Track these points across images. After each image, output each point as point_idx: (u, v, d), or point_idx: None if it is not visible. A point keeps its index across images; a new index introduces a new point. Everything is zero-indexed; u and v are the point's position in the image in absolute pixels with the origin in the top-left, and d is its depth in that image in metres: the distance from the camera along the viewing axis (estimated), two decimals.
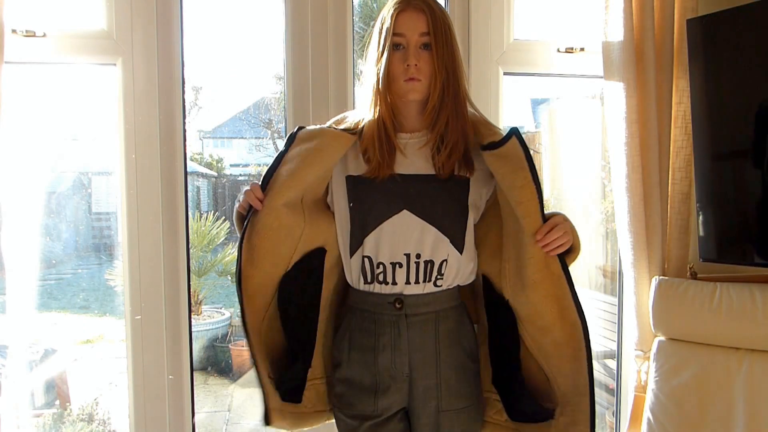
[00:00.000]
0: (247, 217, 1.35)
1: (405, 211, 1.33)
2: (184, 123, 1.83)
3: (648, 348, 1.83)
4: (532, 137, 4.01)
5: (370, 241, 1.35)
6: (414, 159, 1.35)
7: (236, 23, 4.02)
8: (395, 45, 1.27)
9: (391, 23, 1.26)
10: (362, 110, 1.37)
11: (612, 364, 2.49)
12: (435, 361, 1.37)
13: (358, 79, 1.86)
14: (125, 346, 1.84)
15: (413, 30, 1.26)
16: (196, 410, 1.92)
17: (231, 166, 4.64)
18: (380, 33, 1.29)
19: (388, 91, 1.29)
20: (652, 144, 1.79)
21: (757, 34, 1.65)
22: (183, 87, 1.82)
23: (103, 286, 3.30)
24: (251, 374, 3.79)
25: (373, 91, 1.32)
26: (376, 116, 1.32)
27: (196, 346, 3.83)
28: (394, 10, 1.27)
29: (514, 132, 1.27)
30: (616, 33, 1.77)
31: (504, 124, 1.97)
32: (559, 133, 3.61)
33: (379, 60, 1.28)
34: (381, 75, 1.27)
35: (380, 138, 1.31)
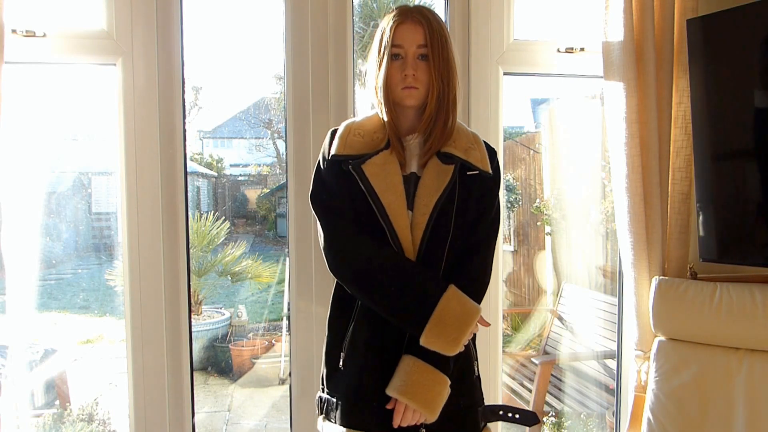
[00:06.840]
0: None
1: None
2: (184, 123, 1.83)
3: (648, 348, 1.83)
4: (532, 137, 4.02)
5: None
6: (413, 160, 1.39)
7: (236, 23, 4.02)
8: (394, 55, 1.32)
9: (390, 35, 1.31)
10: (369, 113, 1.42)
11: (612, 364, 2.49)
12: None
13: (359, 80, 1.88)
14: (125, 346, 1.84)
15: (411, 41, 1.31)
16: (196, 410, 1.92)
17: (231, 166, 4.64)
18: (380, 43, 1.34)
19: (387, 97, 1.34)
20: (652, 144, 1.79)
21: (757, 34, 1.65)
22: (183, 87, 1.82)
23: (103, 286, 3.30)
24: (251, 374, 3.80)
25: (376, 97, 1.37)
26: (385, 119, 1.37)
27: (196, 346, 3.83)
28: (394, 22, 1.32)
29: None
30: (616, 33, 1.77)
31: (504, 124, 1.97)
32: (559, 133, 3.62)
33: (379, 69, 1.34)
34: (381, 83, 1.33)
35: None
